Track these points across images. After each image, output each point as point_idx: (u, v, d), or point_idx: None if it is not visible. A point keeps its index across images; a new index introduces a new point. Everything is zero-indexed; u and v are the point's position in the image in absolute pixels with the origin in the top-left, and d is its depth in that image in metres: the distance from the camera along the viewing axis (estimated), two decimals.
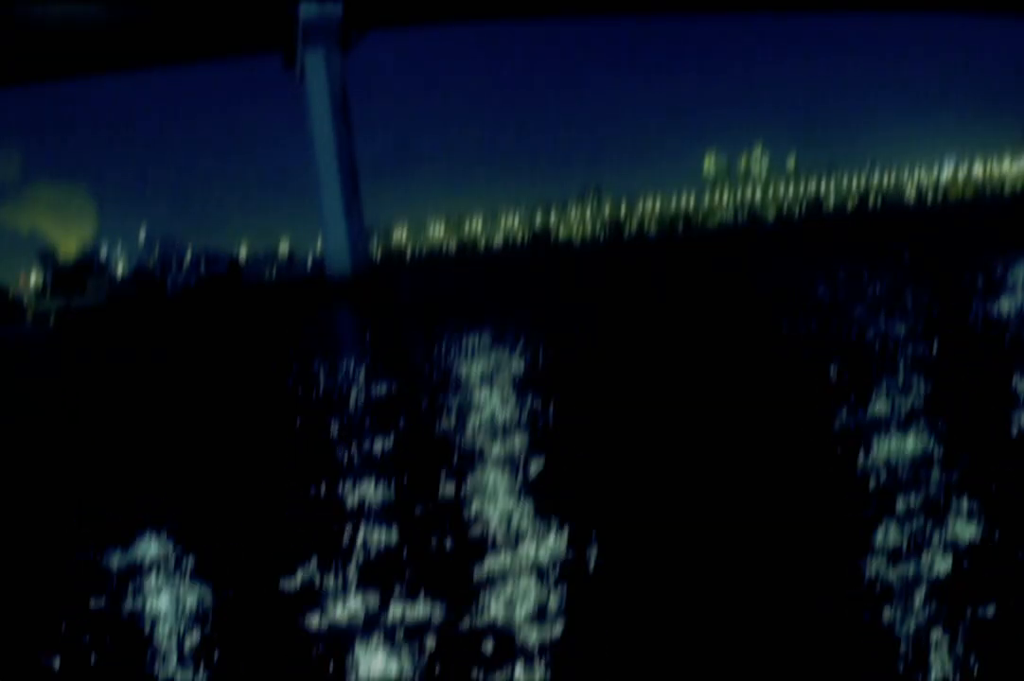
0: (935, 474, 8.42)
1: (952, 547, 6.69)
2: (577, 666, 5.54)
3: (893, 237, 63.84)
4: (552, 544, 7.70)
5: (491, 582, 6.99)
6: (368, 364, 23.29)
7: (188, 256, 72.65)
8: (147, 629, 6.87)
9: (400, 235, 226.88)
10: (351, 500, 9.75)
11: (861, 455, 9.25)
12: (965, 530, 6.98)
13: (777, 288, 31.17)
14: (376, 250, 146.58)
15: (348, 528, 8.76)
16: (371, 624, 6.47)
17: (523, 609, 6.43)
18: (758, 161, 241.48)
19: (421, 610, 6.61)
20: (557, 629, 6.06)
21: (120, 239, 77.81)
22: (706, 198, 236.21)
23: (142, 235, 75.40)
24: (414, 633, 6.23)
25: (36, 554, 9.24)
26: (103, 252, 76.85)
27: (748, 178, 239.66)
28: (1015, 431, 9.52)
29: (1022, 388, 11.45)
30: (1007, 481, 7.97)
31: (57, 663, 6.43)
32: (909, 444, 9.50)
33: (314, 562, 7.90)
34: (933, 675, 4.98)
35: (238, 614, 7.02)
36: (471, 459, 10.94)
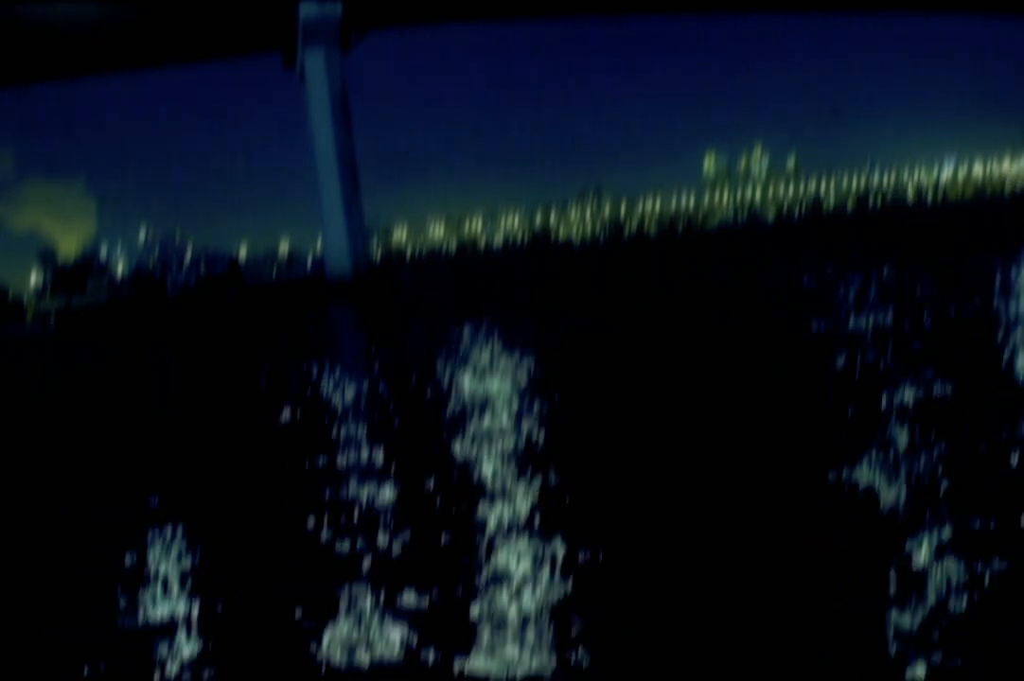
0: (932, 469, 8.43)
1: (951, 545, 6.70)
2: (578, 664, 5.55)
3: (893, 237, 63.87)
4: (550, 541, 7.70)
5: (489, 579, 7.00)
6: (365, 364, 23.30)
7: (188, 256, 72.63)
8: (144, 628, 6.89)
9: (400, 235, 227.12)
10: (345, 499, 9.77)
11: (860, 456, 9.27)
12: (964, 529, 6.98)
13: (777, 289, 31.18)
14: (376, 250, 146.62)
15: (342, 526, 8.78)
16: (367, 621, 6.48)
17: (521, 607, 6.44)
18: (758, 161, 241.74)
19: (418, 607, 6.62)
20: (557, 628, 6.06)
21: (120, 239, 77.81)
22: (706, 198, 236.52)
23: (142, 235, 75.38)
24: (411, 630, 6.24)
25: (31, 554, 9.25)
26: (103, 252, 76.84)
27: (748, 178, 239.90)
28: (1013, 426, 9.53)
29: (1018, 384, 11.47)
30: (1007, 481, 7.98)
31: (56, 662, 6.44)
32: (906, 440, 9.51)
33: (309, 560, 7.92)
34: (930, 674, 4.99)
35: (236, 612, 7.02)
36: (467, 457, 10.95)
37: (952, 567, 6.32)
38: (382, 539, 8.30)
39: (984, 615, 5.59)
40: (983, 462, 8.58)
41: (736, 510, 7.98)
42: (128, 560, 8.55)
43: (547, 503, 8.83)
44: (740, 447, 10.08)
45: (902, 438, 9.73)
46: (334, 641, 6.25)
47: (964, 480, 8.12)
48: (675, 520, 7.94)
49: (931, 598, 5.88)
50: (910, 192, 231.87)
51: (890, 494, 7.97)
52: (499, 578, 7.04)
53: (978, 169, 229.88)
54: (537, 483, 9.55)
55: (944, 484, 8.09)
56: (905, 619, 5.63)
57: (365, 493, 9.95)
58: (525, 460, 10.57)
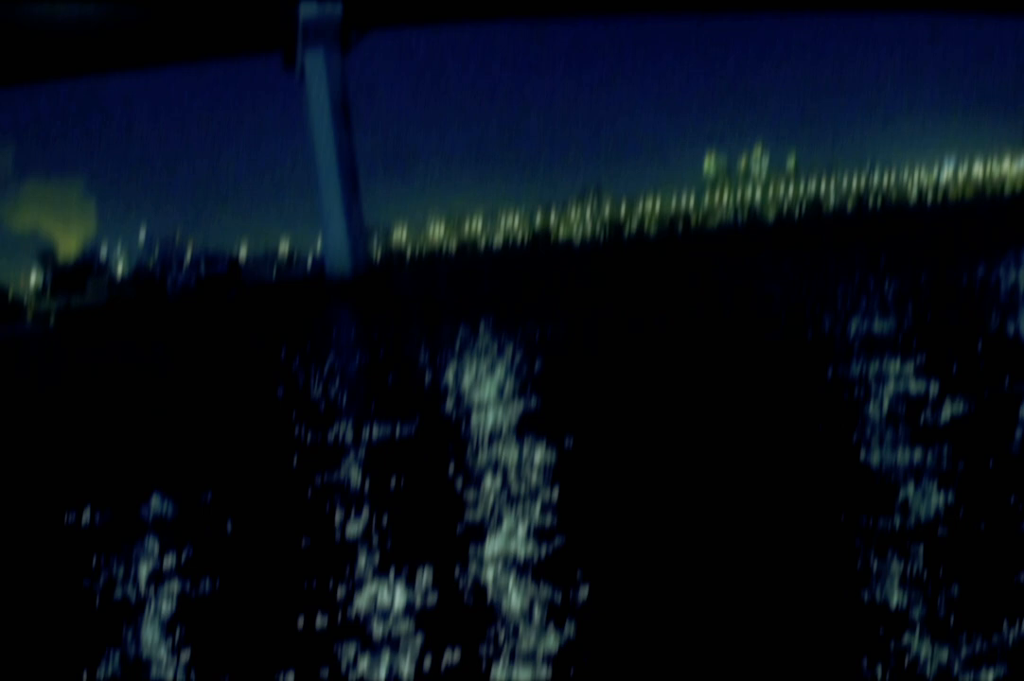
0: (928, 470, 8.44)
1: (950, 545, 6.70)
2: (577, 665, 5.55)
3: (893, 238, 63.83)
4: (550, 542, 7.71)
5: (488, 578, 7.00)
6: (363, 365, 23.30)
7: (188, 256, 72.63)
8: (144, 625, 6.89)
9: (400, 235, 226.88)
10: (343, 502, 9.77)
11: (858, 460, 9.27)
12: (961, 529, 6.99)
13: (777, 291, 31.16)
14: (376, 250, 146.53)
15: (340, 526, 8.78)
16: (369, 624, 6.48)
17: (520, 607, 6.44)
18: (758, 161, 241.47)
19: (418, 605, 6.62)
20: (557, 627, 6.07)
21: (120, 239, 77.89)
22: (706, 198, 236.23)
23: (142, 235, 75.44)
24: (412, 630, 6.25)
25: (30, 554, 9.26)
26: (103, 252, 76.87)
27: (748, 178, 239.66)
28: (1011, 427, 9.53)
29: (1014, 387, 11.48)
30: (1006, 482, 7.99)
31: (57, 661, 6.45)
32: (905, 445, 9.52)
33: (310, 557, 7.92)
34: (930, 674, 5.00)
35: (236, 611, 7.02)
36: (464, 457, 10.96)
37: (951, 568, 6.33)
38: (379, 539, 8.31)
39: (983, 616, 5.60)
40: (984, 464, 8.59)
41: (737, 515, 7.99)
42: (129, 560, 8.56)
43: (546, 503, 8.83)
44: (738, 450, 10.08)
45: (902, 443, 9.74)
46: (332, 641, 6.26)
47: (965, 482, 8.13)
48: (673, 523, 7.95)
49: (929, 598, 5.88)
50: (910, 192, 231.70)
51: (892, 501, 7.98)
52: (496, 576, 7.04)
53: (978, 169, 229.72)
54: (536, 484, 9.55)
55: (944, 485, 8.10)
56: (904, 620, 5.64)
57: (361, 493, 9.95)
58: (523, 460, 10.57)
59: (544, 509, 8.65)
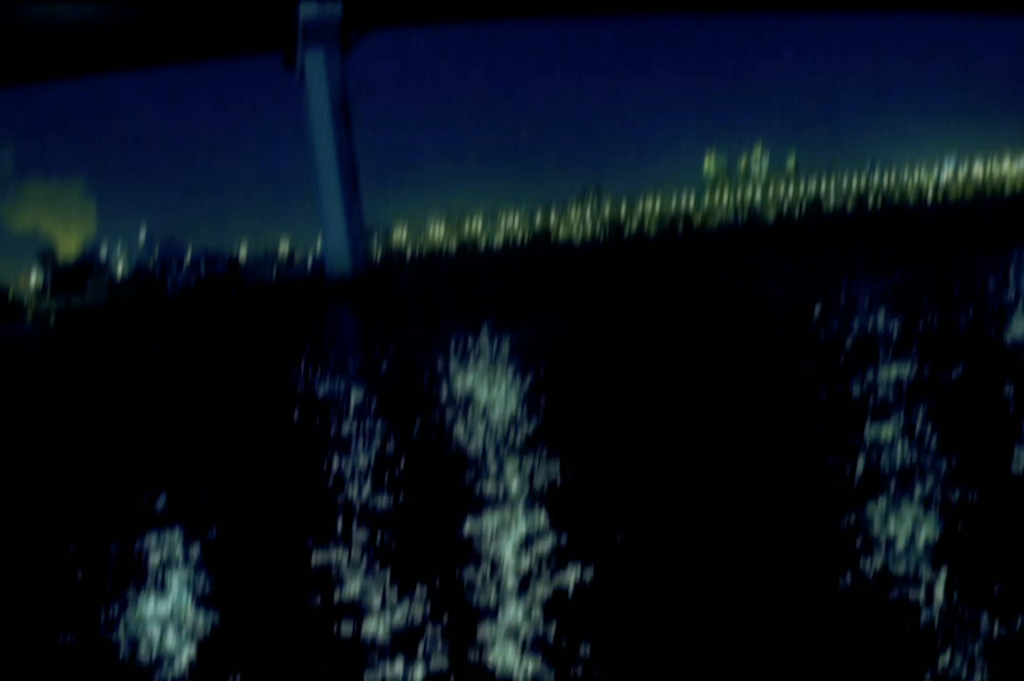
0: (925, 471, 8.44)
1: (950, 546, 6.70)
2: (577, 665, 5.55)
3: (893, 237, 63.83)
4: (549, 542, 7.71)
5: (489, 580, 7.00)
6: (362, 365, 23.30)
7: (188, 256, 72.68)
8: (147, 621, 6.89)
9: (400, 235, 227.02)
10: (345, 502, 9.77)
11: (857, 465, 9.28)
12: (960, 530, 6.99)
13: (776, 290, 31.16)
14: (376, 250, 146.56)
15: (342, 527, 8.78)
16: (372, 628, 6.49)
17: (520, 611, 6.44)
18: (758, 161, 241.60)
19: (415, 609, 6.63)
20: (556, 628, 6.07)
21: (120, 239, 77.99)
22: (706, 198, 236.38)
23: (142, 235, 75.56)
24: (410, 630, 6.25)
25: (34, 557, 9.26)
26: (103, 252, 76.95)
27: (748, 178, 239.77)
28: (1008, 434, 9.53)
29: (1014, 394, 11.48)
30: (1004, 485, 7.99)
31: (59, 660, 6.45)
32: (900, 447, 9.52)
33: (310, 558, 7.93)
34: (931, 675, 5.00)
35: (234, 610, 7.03)
36: (463, 460, 10.96)
37: (950, 567, 6.33)
38: (378, 538, 8.31)
39: (982, 615, 5.60)
40: (984, 464, 8.59)
41: (739, 517, 7.99)
42: (130, 561, 8.56)
43: (545, 503, 8.84)
44: (739, 450, 10.09)
45: (902, 443, 9.74)
46: (331, 640, 6.26)
47: (964, 481, 8.14)
48: (674, 524, 7.95)
49: (927, 597, 5.89)
50: (910, 192, 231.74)
51: (891, 500, 7.98)
52: (495, 576, 7.05)
53: (978, 169, 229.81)
54: (536, 484, 9.56)
55: (943, 485, 8.10)
56: (901, 618, 5.64)
57: (358, 497, 9.96)
58: (523, 460, 10.58)
59: (543, 509, 8.66)
